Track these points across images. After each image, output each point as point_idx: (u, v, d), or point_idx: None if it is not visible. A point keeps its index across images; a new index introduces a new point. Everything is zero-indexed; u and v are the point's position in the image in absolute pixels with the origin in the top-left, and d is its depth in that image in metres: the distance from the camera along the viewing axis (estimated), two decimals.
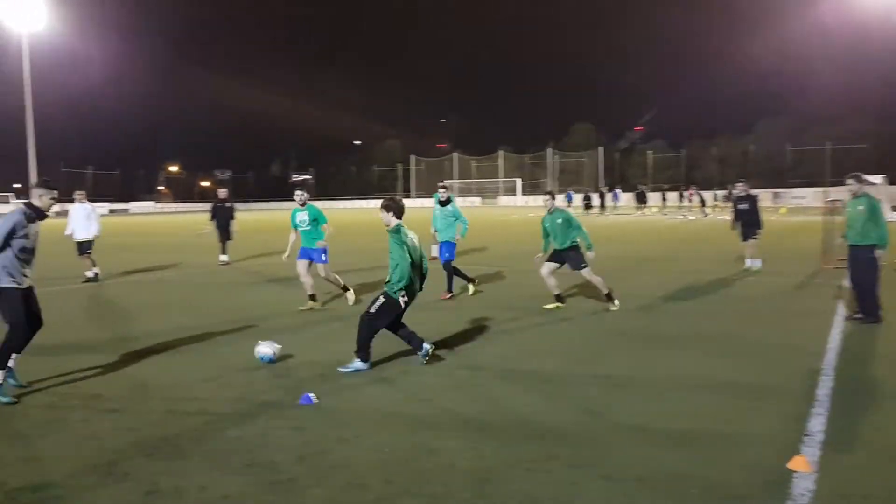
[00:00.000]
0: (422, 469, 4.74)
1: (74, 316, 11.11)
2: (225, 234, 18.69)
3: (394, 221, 7.51)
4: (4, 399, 6.29)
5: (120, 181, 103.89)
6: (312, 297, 11.19)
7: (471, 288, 12.47)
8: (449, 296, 11.94)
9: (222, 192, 19.49)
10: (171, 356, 8.11)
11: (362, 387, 6.72)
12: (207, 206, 21.41)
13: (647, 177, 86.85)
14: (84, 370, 7.39)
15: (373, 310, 7.29)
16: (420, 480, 4.56)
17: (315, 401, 6.18)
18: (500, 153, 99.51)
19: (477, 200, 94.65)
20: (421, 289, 7.64)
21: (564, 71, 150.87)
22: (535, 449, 5.07)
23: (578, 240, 10.51)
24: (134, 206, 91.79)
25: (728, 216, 17.18)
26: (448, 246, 12.24)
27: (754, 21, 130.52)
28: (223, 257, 18.53)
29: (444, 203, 12.39)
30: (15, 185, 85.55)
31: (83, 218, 15.18)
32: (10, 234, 6.42)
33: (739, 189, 15.96)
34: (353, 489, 4.44)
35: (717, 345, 8.34)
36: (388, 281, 7.33)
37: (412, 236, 7.52)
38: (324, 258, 11.13)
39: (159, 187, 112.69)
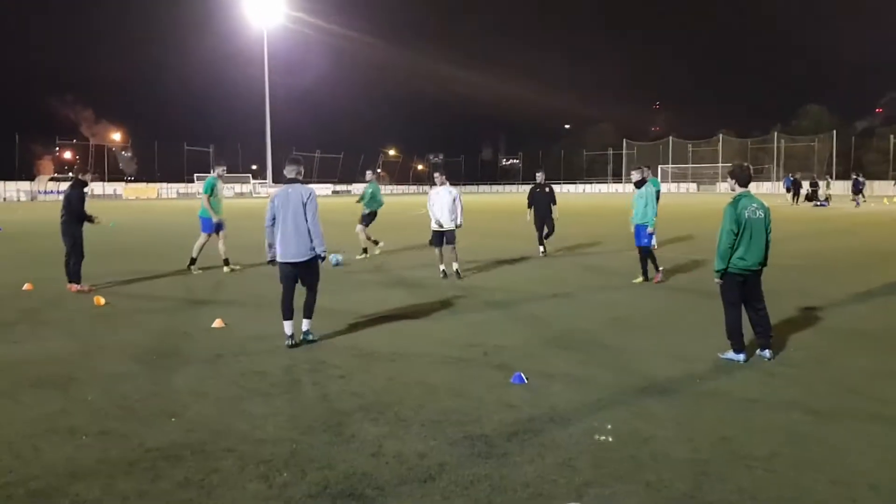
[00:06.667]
0: (635, 455, 4.66)
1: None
2: (546, 222, 16.05)
3: (738, 190, 7.15)
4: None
5: (342, 164, 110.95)
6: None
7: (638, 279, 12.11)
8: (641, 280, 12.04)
9: (539, 176, 16.44)
10: (392, 329, 8.57)
11: (572, 369, 6.71)
12: (423, 188, 21.53)
13: (889, 163, 78.38)
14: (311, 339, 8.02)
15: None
16: (632, 467, 4.48)
17: (526, 380, 6.27)
18: (720, 137, 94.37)
19: (692, 186, 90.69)
20: (760, 264, 7.00)
21: (793, 49, 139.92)
22: (757, 444, 4.81)
23: None
24: (356, 187, 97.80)
25: None
26: (640, 229, 11.94)
27: None
28: (542, 249, 16.17)
29: (638, 185, 12.14)
30: (253, 167, 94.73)
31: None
32: None
33: None
34: (563, 469, 4.47)
35: None
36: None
37: (752, 208, 6.94)
38: None
39: (378, 170, 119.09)
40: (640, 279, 12.04)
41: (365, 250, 16.50)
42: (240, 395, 6.01)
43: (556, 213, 16.05)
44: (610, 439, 4.95)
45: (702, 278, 12.43)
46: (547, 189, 16.06)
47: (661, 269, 12.12)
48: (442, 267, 12.83)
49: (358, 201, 16.92)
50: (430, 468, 4.49)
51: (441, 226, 12.55)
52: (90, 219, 11.54)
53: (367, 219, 16.53)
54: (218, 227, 13.58)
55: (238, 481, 4.32)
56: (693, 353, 7.25)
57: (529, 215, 16.26)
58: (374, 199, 16.48)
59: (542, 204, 15.95)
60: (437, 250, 12.83)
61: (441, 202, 12.60)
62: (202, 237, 13.69)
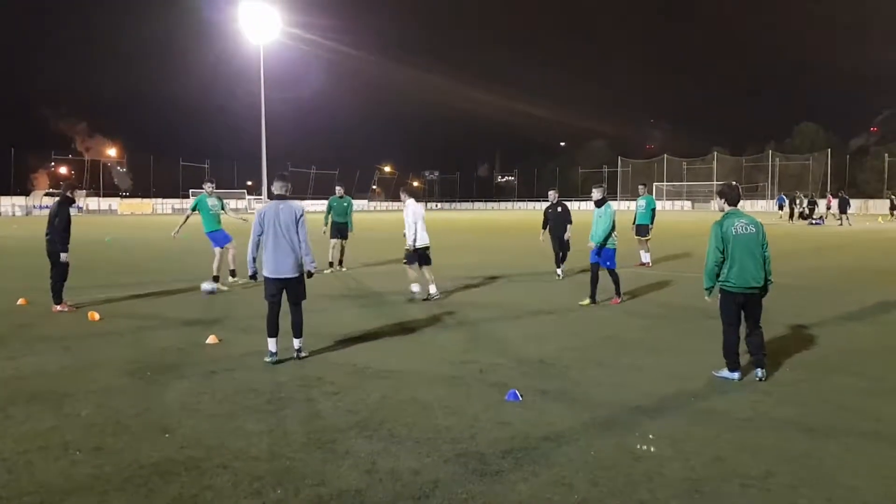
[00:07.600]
0: (629, 474, 4.66)
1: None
2: (562, 243, 15.19)
3: (726, 208, 7.18)
4: None
5: (337, 181, 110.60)
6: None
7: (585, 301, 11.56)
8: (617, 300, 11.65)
9: (552, 194, 15.77)
10: (385, 346, 8.57)
11: (566, 387, 6.72)
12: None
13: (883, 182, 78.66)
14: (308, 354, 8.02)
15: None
16: (627, 485, 4.48)
17: (521, 398, 6.27)
18: (714, 154, 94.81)
19: (687, 204, 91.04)
20: (762, 282, 6.98)
21: (787, 66, 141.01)
22: (752, 463, 4.81)
23: None
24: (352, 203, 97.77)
25: None
26: (602, 250, 11.43)
27: None
28: (560, 270, 15.30)
29: (598, 204, 11.62)
30: (248, 183, 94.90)
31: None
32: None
33: None
34: (558, 487, 4.46)
35: None
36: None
37: (741, 224, 6.93)
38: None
39: (373, 187, 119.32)
40: (615, 298, 11.72)
41: (341, 262, 17.21)
42: (234, 412, 6.00)
43: (568, 233, 15.06)
44: (604, 458, 4.95)
45: (695, 296, 12.45)
46: (560, 208, 15.26)
47: (618, 296, 11.75)
48: (413, 288, 12.07)
49: (325, 219, 17.20)
50: (424, 485, 4.48)
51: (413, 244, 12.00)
52: (64, 247, 10.95)
53: (344, 231, 17.12)
54: (219, 241, 13.77)
55: (231, 498, 4.31)
56: (687, 372, 7.27)
57: (543, 236, 15.50)
58: (347, 213, 17.27)
59: (557, 224, 15.14)
60: (409, 268, 12.20)
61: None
62: (218, 252, 13.85)
